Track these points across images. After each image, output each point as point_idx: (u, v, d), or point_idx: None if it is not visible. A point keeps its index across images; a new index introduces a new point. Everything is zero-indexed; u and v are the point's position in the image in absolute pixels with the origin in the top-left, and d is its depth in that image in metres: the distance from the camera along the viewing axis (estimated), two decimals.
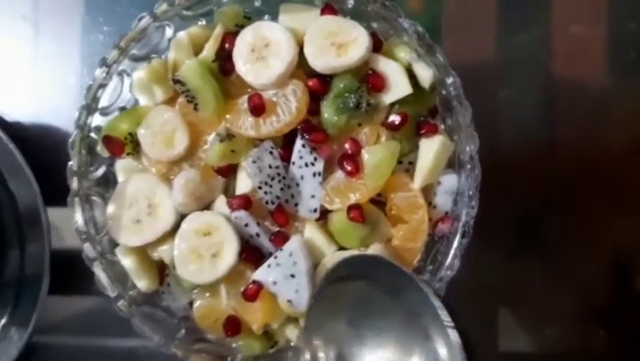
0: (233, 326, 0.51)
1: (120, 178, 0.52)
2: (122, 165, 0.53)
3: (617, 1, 0.63)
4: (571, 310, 0.66)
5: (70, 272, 0.61)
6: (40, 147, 0.66)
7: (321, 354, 0.45)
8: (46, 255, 0.64)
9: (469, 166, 0.48)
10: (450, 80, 0.48)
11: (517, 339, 0.67)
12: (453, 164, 0.51)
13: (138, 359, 0.67)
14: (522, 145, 0.66)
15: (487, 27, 0.65)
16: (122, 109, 0.53)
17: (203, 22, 0.52)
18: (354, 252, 0.49)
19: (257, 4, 0.52)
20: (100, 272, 0.50)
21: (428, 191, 0.51)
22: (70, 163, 0.50)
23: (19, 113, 0.68)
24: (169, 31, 0.52)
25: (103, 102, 0.51)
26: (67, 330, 0.70)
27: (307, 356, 0.46)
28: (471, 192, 0.48)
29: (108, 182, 0.53)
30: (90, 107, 0.50)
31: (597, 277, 0.66)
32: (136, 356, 0.67)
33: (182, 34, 0.51)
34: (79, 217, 0.50)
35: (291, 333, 0.53)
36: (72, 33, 0.68)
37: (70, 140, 0.50)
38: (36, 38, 0.70)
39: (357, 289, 0.44)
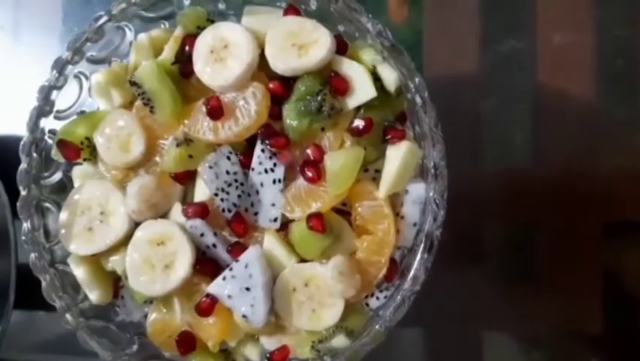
0: (188, 342, 0.48)
1: (77, 185, 0.50)
2: (80, 171, 0.51)
3: (602, 6, 0.61)
4: (559, 334, 0.62)
5: (36, 287, 0.59)
6: (12, 158, 0.65)
7: None
8: (13, 269, 0.63)
9: (432, 172, 0.45)
10: (415, 82, 0.45)
11: None
12: (422, 173, 0.48)
13: None
14: (506, 158, 0.63)
15: (470, 37, 0.63)
16: (82, 113, 0.51)
17: (166, 25, 0.51)
18: None
19: (221, 6, 0.51)
20: (45, 283, 0.47)
21: (395, 201, 0.48)
22: (20, 167, 0.48)
23: None
24: (130, 34, 0.50)
25: (60, 105, 0.50)
26: (33, 346, 0.68)
27: None
28: (437, 201, 0.45)
29: (65, 189, 0.51)
30: (43, 109, 0.48)
31: (587, 300, 0.62)
32: None
33: (142, 36, 0.50)
34: (26, 224, 0.47)
35: (251, 352, 0.50)
36: (49, 43, 0.68)
37: (22, 143, 0.48)
38: (15, 48, 0.69)
39: None
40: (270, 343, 0.49)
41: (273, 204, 0.47)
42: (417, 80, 0.45)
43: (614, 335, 0.61)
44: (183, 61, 0.49)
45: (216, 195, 0.46)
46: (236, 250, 0.47)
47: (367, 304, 0.49)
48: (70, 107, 0.50)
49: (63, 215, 0.49)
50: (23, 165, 0.48)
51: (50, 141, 0.50)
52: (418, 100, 0.45)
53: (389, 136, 0.47)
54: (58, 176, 0.51)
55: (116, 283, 0.50)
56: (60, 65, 0.48)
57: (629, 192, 0.62)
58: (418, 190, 0.47)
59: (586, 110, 0.62)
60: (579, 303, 0.62)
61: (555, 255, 0.62)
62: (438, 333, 0.62)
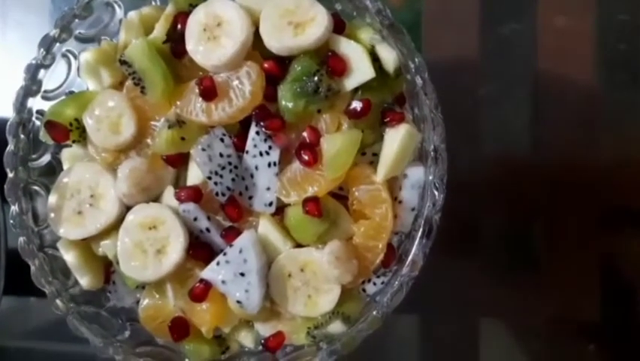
0: (181, 328, 0.47)
1: (66, 167, 0.49)
2: (69, 154, 0.49)
3: None
4: (557, 322, 0.61)
5: (27, 272, 0.58)
6: (2, 141, 0.64)
7: None
8: (3, 254, 0.62)
9: (432, 155, 0.44)
10: (415, 63, 0.44)
11: (501, 353, 0.63)
12: (421, 157, 0.47)
13: None
14: (505, 144, 0.62)
15: (470, 21, 0.62)
16: (71, 94, 0.49)
17: (157, 2, 0.49)
18: None
19: None
20: (35, 267, 0.46)
21: (393, 185, 0.47)
22: (7, 149, 0.46)
23: None
24: (119, 12, 0.49)
25: (48, 85, 0.48)
26: (24, 332, 0.67)
27: None
28: (436, 185, 0.44)
29: (54, 172, 0.49)
30: (30, 88, 0.47)
31: (585, 289, 0.61)
32: None
33: (132, 14, 0.48)
34: (14, 207, 0.46)
35: (245, 338, 0.49)
36: (38, 22, 0.66)
37: (9, 123, 0.46)
38: (2, 27, 0.68)
39: None
40: (264, 329, 0.48)
41: (268, 188, 0.46)
42: (417, 60, 0.44)
43: (612, 322, 0.60)
44: (175, 39, 0.47)
45: (210, 178, 0.45)
46: (231, 234, 0.46)
47: (364, 290, 0.48)
48: (58, 87, 0.49)
49: (52, 198, 0.48)
50: (10, 147, 0.46)
51: (38, 122, 0.48)
52: (419, 81, 0.44)
53: (387, 118, 0.46)
54: (46, 158, 0.49)
55: (107, 268, 0.49)
56: (47, 43, 0.46)
57: (629, 180, 0.61)
58: (416, 174, 0.46)
59: (587, 95, 0.61)
60: (577, 291, 0.61)
61: (554, 243, 0.62)
62: (436, 321, 0.62)
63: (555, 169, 0.62)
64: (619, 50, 0.61)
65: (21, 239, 0.47)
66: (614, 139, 0.61)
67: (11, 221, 0.47)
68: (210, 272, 0.45)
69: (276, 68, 0.46)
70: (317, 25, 0.44)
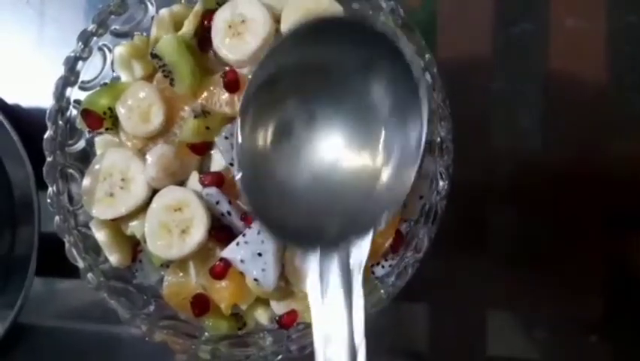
0: (201, 304, 0.50)
1: (99, 153, 0.53)
2: (102, 141, 0.53)
3: None
4: (561, 315, 0.63)
5: (56, 257, 0.61)
6: (37, 130, 0.68)
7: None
8: (36, 237, 0.65)
9: (439, 147, 0.46)
10: (425, 59, 0.47)
11: (505, 344, 0.65)
12: (430, 148, 0.50)
13: (121, 344, 0.67)
14: (514, 142, 0.64)
15: (483, 21, 0.64)
16: (105, 85, 0.53)
17: (187, 1, 0.53)
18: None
19: None
20: (69, 244, 0.50)
21: None
22: (46, 134, 0.50)
23: (20, 95, 0.70)
24: (152, 9, 0.52)
25: (84, 76, 0.52)
26: (54, 312, 0.71)
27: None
28: (442, 174, 0.46)
29: (88, 157, 0.53)
30: (68, 79, 0.50)
31: (589, 283, 0.63)
32: (119, 341, 0.67)
33: (163, 11, 0.52)
34: (51, 188, 0.50)
35: (261, 316, 0.52)
36: (74, 18, 0.70)
37: (48, 110, 0.50)
38: (40, 23, 0.72)
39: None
40: (279, 307, 0.51)
41: None
42: (427, 56, 0.47)
43: (614, 316, 0.62)
44: (202, 35, 0.51)
45: (231, 165, 0.48)
46: (250, 218, 0.49)
47: (373, 273, 0.51)
48: (94, 79, 0.53)
49: (86, 181, 0.51)
50: (49, 133, 0.50)
51: (75, 111, 0.52)
52: (428, 76, 0.46)
53: None
54: (81, 144, 0.53)
55: (134, 247, 0.53)
56: (85, 37, 0.50)
57: (637, 180, 0.63)
58: (425, 164, 0.49)
59: (597, 95, 0.62)
60: (581, 286, 0.63)
61: (560, 239, 0.63)
62: (443, 313, 0.64)
63: (564, 167, 0.63)
64: (629, 51, 0.62)
65: (57, 218, 0.50)
66: (623, 139, 0.62)
67: (48, 200, 0.51)
68: (230, 252, 0.48)
69: None
70: None
